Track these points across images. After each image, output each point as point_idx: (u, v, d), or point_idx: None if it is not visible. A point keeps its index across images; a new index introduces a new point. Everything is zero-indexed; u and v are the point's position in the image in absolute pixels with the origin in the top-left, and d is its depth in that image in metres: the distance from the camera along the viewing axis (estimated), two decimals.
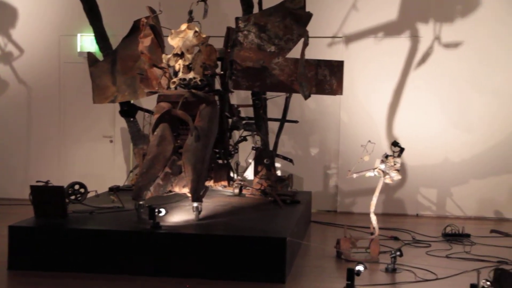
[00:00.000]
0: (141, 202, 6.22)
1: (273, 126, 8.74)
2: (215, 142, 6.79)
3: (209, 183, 7.03)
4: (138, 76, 7.24)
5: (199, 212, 6.23)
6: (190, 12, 6.94)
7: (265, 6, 7.77)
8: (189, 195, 6.23)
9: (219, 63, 7.22)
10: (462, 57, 9.37)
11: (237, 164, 8.43)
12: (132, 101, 8.16)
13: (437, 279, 5.85)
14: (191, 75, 6.74)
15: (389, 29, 9.53)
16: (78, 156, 10.16)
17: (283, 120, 8.61)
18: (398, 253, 6.15)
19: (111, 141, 10.13)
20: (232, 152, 7.51)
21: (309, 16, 7.25)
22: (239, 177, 8.05)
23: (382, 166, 6.36)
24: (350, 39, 9.62)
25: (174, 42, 6.79)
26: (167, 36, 6.91)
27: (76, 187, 6.71)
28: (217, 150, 7.14)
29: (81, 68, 8.73)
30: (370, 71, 9.55)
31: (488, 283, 4.37)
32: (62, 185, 6.45)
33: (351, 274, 4.78)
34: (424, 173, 9.43)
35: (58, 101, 10.18)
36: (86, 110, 9.85)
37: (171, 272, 5.68)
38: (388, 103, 9.56)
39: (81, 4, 8.26)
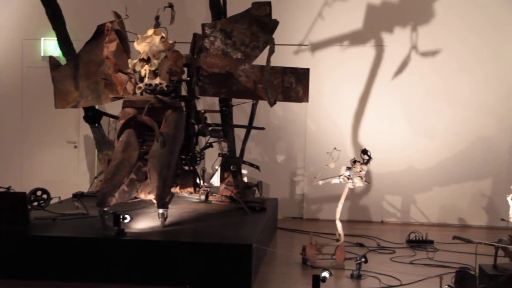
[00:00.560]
0: (105, 209, 6.12)
1: (239, 133, 8.74)
2: (181, 149, 6.76)
3: (175, 190, 6.99)
4: (101, 81, 7.16)
5: (165, 218, 6.18)
6: (157, 18, 6.91)
7: (231, 13, 7.77)
8: (154, 201, 6.18)
9: (185, 69, 7.21)
10: (426, 66, 9.52)
11: (203, 170, 8.41)
12: (96, 107, 8.07)
13: (401, 285, 5.91)
14: (157, 80, 6.70)
15: (355, 38, 9.64)
16: (41, 161, 10.00)
17: (249, 127, 8.62)
18: (363, 259, 6.19)
19: (75, 147, 9.99)
20: (198, 159, 7.49)
21: (275, 23, 7.28)
22: (205, 184, 8.02)
23: (347, 173, 6.42)
24: (316, 47, 9.70)
25: (140, 47, 6.75)
26: (133, 41, 6.86)
27: (39, 193, 6.58)
28: (183, 157, 7.11)
29: (44, 72, 8.57)
30: (336, 79, 9.63)
31: None
32: (24, 191, 6.33)
33: (317, 281, 4.79)
34: (389, 180, 9.54)
35: (21, 105, 10.00)
36: (50, 115, 9.69)
37: (136, 280, 5.60)
38: (354, 111, 9.66)
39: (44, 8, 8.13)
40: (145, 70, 6.74)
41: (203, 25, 7.39)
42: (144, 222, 6.38)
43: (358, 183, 6.45)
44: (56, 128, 9.95)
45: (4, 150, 10.05)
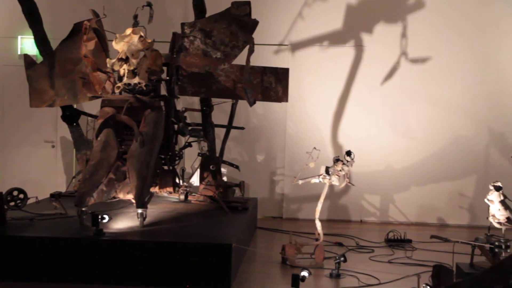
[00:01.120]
0: (84, 209, 6.07)
1: (219, 133, 8.72)
2: (160, 148, 6.73)
3: (154, 189, 6.96)
4: (78, 79, 7.09)
5: (144, 218, 6.15)
6: (135, 17, 6.87)
7: (211, 12, 7.74)
8: (133, 201, 6.15)
9: (164, 68, 7.17)
10: (405, 67, 9.59)
11: (183, 170, 8.38)
12: (75, 106, 8.00)
13: (379, 284, 5.96)
14: (136, 80, 6.66)
15: (335, 38, 9.68)
16: (18, 161, 9.88)
17: (229, 127, 8.61)
18: (342, 258, 6.22)
19: (53, 146, 9.89)
20: (177, 158, 7.45)
21: (255, 23, 7.27)
22: (184, 183, 7.99)
23: (324, 170, 6.46)
24: (296, 47, 9.71)
25: (118, 46, 6.71)
26: (112, 41, 6.81)
27: (15, 193, 6.51)
28: (162, 156, 7.08)
29: (21, 71, 8.44)
30: (316, 79, 9.66)
31: (428, 287, 4.48)
32: (0, 191, 6.25)
33: (296, 280, 4.79)
34: (368, 180, 9.58)
35: None
36: (27, 114, 9.57)
37: (115, 280, 5.56)
38: (334, 111, 9.70)
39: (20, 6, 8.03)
40: (123, 69, 6.71)
41: (183, 24, 7.36)
42: (123, 222, 6.34)
43: (335, 181, 6.49)
44: (34, 127, 9.84)
45: None
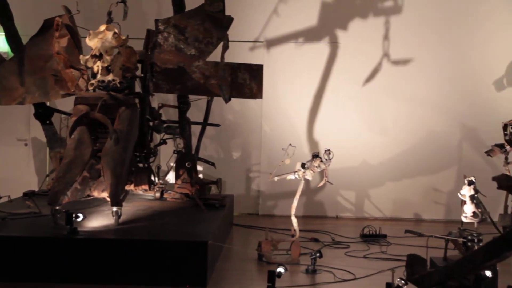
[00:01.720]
0: (57, 207, 6.00)
1: (194, 130, 8.69)
2: (135, 146, 6.69)
3: (130, 187, 6.92)
4: (50, 77, 6.98)
5: (119, 216, 6.11)
6: (109, 13, 6.81)
7: (187, 8, 7.71)
8: (108, 199, 6.11)
9: (139, 65, 7.12)
10: (381, 64, 9.65)
11: (158, 167, 8.34)
12: (48, 103, 7.90)
13: (355, 279, 6.00)
14: (110, 77, 6.60)
15: (310, 35, 9.70)
16: None
17: (204, 124, 8.58)
18: (318, 254, 6.26)
19: (25, 145, 9.77)
20: (152, 155, 7.41)
21: (229, 20, 7.24)
22: (160, 181, 7.96)
23: (301, 166, 6.50)
24: (271, 43, 9.72)
25: (92, 43, 6.64)
26: (85, 37, 6.74)
27: None
28: (137, 154, 7.03)
29: None
30: (291, 76, 9.68)
31: (403, 281, 4.52)
32: None
33: (272, 276, 4.81)
34: (343, 175, 9.61)
35: None
36: None
37: (90, 279, 5.52)
38: (309, 107, 9.73)
39: None
40: (97, 66, 6.64)
41: (157, 21, 7.30)
42: (98, 221, 6.30)
43: (309, 176, 6.53)
44: (6, 125, 9.69)
45: None
